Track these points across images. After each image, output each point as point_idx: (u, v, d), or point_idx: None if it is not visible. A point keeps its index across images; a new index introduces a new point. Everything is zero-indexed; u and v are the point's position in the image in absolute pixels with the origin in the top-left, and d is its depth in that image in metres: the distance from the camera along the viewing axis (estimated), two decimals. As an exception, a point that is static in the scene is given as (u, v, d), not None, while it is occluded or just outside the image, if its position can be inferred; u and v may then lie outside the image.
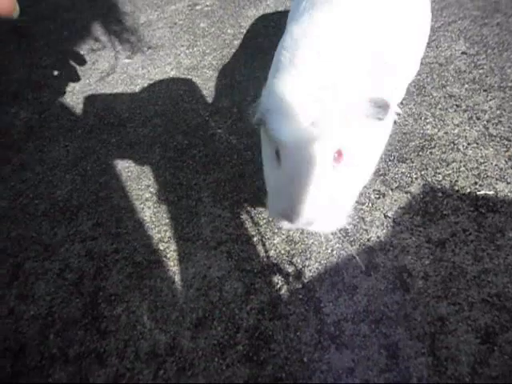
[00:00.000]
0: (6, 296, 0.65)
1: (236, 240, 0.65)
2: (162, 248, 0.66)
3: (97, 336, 0.58)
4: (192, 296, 0.59)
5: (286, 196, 0.51)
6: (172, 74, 1.06)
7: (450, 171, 0.73)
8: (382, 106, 0.53)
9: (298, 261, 0.62)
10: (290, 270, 0.61)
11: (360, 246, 0.63)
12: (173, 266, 0.64)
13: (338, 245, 0.64)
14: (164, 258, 0.65)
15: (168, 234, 0.68)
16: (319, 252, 0.63)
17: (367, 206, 0.69)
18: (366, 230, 0.65)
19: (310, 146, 0.50)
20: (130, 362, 0.55)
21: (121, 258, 0.66)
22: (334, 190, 0.52)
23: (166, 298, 0.60)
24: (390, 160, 0.76)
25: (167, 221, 0.70)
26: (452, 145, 0.77)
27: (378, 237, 0.64)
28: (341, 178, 0.53)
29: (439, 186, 0.70)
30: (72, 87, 1.06)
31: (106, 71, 1.10)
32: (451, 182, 0.71)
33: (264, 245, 0.65)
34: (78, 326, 0.60)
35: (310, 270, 0.61)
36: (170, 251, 0.66)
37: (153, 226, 0.70)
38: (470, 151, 0.76)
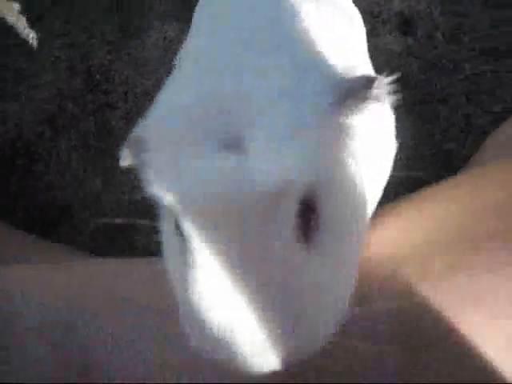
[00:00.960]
0: (19, 92, 0.86)
1: None
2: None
3: (103, 95, 0.83)
4: (161, 52, 0.83)
5: (203, 316, 0.25)
6: None
7: None
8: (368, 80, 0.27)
9: None
10: None
11: None
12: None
13: None
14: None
15: None
16: None
17: None
18: None
19: (235, 200, 0.24)
20: (132, 101, 0.81)
21: (97, 42, 0.86)
22: (309, 286, 0.25)
23: (143, 54, 0.84)
24: None
25: None
26: None
27: None
28: (317, 269, 0.26)
29: None
30: None
31: None
32: None
33: None
34: (86, 93, 0.83)
35: None
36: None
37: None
38: None
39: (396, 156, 0.42)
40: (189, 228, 0.26)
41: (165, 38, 0.84)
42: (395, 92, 0.30)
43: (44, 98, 0.84)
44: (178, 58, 0.44)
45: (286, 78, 0.28)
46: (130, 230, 0.76)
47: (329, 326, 0.26)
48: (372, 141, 0.33)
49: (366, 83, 0.27)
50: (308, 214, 0.26)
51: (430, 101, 0.74)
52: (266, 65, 0.29)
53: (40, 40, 0.89)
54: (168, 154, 0.26)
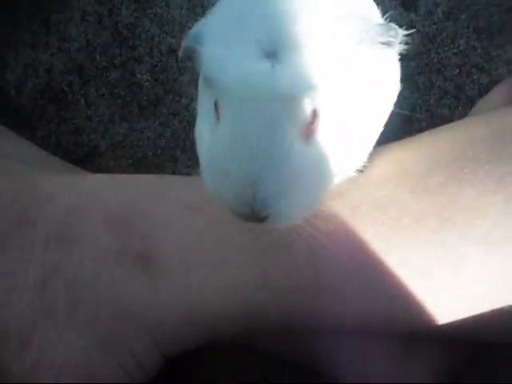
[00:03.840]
0: (49, 42, 0.92)
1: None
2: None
3: (130, 50, 0.90)
4: (185, 13, 0.90)
5: (225, 169, 0.34)
6: None
7: None
8: (390, 29, 0.36)
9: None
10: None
11: None
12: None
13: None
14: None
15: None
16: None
17: None
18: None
19: (265, 94, 0.32)
20: (157, 58, 0.89)
21: (124, 0, 0.93)
22: (298, 170, 0.34)
23: (168, 13, 0.90)
24: None
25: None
26: None
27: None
28: (310, 157, 0.35)
29: None
30: None
31: None
32: None
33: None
34: (113, 46, 0.90)
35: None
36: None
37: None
38: None
39: (393, 118, 0.51)
40: (222, 103, 0.36)
41: (189, 0, 0.91)
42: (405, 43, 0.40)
43: (74, 49, 0.91)
44: None
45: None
46: (151, 172, 0.84)
47: (300, 207, 0.36)
48: (379, 77, 0.42)
49: (386, 31, 0.37)
50: (313, 119, 0.35)
51: (428, 71, 0.83)
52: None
53: (69, -5, 0.94)
54: (219, 47, 0.35)
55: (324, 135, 0.36)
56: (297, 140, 0.34)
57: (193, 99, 0.85)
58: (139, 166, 0.83)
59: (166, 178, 0.56)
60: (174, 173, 0.82)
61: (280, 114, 0.33)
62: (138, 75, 0.88)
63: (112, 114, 0.87)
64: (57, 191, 0.52)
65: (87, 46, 0.91)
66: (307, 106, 0.34)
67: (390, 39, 0.36)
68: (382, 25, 0.37)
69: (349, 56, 0.35)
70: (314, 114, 0.35)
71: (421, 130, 0.79)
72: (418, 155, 0.49)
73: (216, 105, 0.36)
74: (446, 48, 0.84)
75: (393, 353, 0.54)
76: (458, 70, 0.83)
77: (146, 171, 0.83)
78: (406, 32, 0.38)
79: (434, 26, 0.85)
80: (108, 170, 0.85)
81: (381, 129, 0.46)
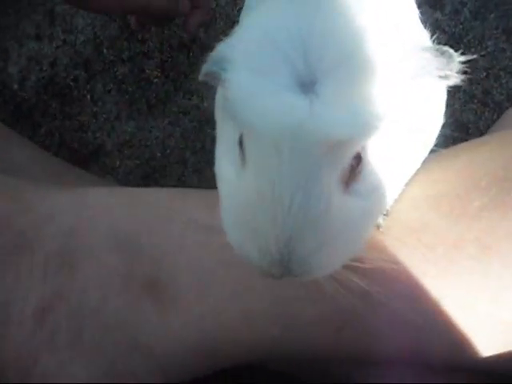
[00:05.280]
0: (54, 34, 0.87)
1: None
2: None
3: (139, 43, 0.85)
4: None
5: (253, 224, 0.29)
6: None
7: None
8: (445, 54, 0.30)
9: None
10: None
11: None
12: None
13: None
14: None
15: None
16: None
17: None
18: None
19: (300, 138, 0.26)
20: (167, 53, 0.84)
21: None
22: (337, 224, 0.29)
23: (180, 10, 0.86)
24: None
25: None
26: None
27: None
28: (352, 207, 0.30)
29: None
30: None
31: None
32: None
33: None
34: (121, 40, 0.86)
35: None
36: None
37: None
38: None
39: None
40: (249, 143, 0.29)
41: (202, -8, 0.86)
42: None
43: (80, 42, 0.87)
44: None
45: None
46: (159, 173, 0.80)
47: (339, 258, 0.31)
48: (427, 112, 0.36)
49: (446, 64, 0.30)
50: (356, 164, 0.29)
51: (452, 73, 0.79)
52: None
53: (76, -16, 0.90)
54: (247, 78, 0.28)
55: (368, 179, 0.30)
56: (337, 189, 0.29)
57: (204, 98, 0.81)
58: (146, 167, 0.79)
59: (177, 192, 0.51)
60: (182, 175, 0.78)
61: (318, 162, 0.27)
62: (147, 71, 0.84)
63: (119, 112, 0.83)
64: (57, 210, 0.46)
65: (94, 38, 0.86)
66: (351, 150, 0.28)
67: (449, 72, 0.30)
68: (439, 55, 0.30)
69: (401, 91, 0.29)
70: (358, 158, 0.29)
71: (444, 138, 0.75)
72: (453, 174, 0.44)
73: (241, 143, 0.30)
74: (473, 49, 0.79)
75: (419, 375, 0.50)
76: (485, 74, 0.78)
77: (153, 173, 0.80)
78: (462, 58, 0.31)
79: (461, 26, 0.81)
80: (113, 171, 0.81)
81: (419, 166, 0.40)
